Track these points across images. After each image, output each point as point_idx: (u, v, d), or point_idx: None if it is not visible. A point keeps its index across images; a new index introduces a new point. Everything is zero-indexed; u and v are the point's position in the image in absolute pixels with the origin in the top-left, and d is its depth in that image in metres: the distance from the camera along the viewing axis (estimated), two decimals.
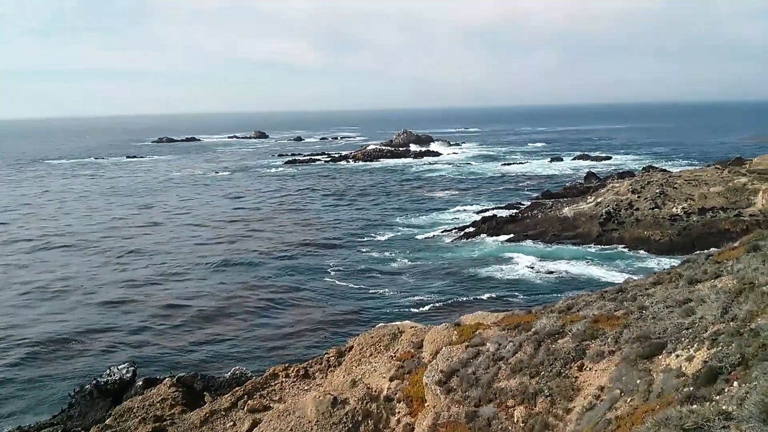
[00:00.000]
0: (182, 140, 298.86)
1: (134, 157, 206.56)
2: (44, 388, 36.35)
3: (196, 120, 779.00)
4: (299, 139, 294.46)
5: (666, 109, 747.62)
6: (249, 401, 23.25)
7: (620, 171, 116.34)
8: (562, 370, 14.19)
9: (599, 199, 73.40)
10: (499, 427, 14.18)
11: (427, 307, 48.09)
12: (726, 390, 9.41)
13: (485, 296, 49.77)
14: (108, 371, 31.61)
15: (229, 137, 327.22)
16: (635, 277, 23.48)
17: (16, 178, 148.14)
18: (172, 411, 25.10)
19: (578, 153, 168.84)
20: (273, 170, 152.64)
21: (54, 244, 73.24)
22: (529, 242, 66.42)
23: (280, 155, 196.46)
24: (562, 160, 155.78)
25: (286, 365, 25.74)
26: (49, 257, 67.46)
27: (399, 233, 74.91)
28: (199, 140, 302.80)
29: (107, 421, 25.22)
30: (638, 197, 69.88)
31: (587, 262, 58.52)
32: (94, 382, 30.91)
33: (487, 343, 17.71)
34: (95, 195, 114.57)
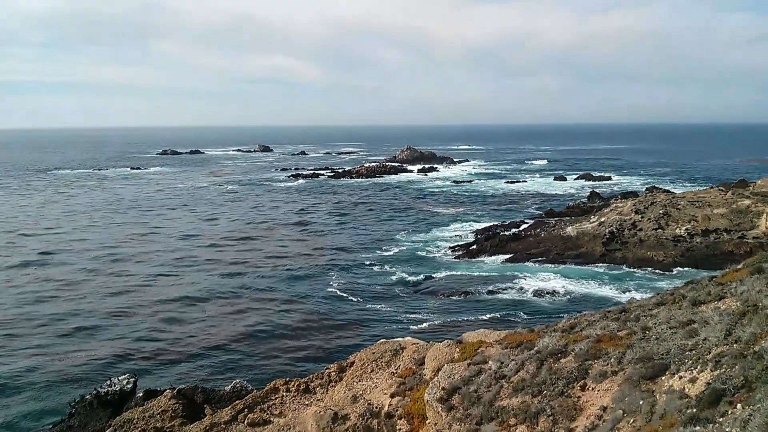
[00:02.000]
0: (187, 153, 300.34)
1: (138, 168, 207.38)
2: (44, 398, 36.29)
3: (200, 133, 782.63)
4: (303, 153, 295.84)
5: (667, 130, 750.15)
6: (249, 415, 23.19)
7: (623, 191, 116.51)
8: (564, 390, 14.18)
9: (602, 219, 73.41)
10: None
11: (425, 324, 47.88)
12: (729, 412, 9.42)
13: (487, 315, 49.60)
14: (108, 382, 31.53)
15: (233, 150, 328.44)
16: (638, 297, 23.49)
17: (22, 187, 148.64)
18: (172, 423, 25.04)
19: (581, 172, 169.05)
20: (277, 184, 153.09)
21: (55, 256, 73.37)
22: (531, 261, 66.30)
23: (283, 169, 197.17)
24: (565, 179, 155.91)
25: (287, 379, 25.69)
26: (50, 268, 67.47)
27: (401, 249, 74.87)
28: (204, 153, 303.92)
29: None
30: (641, 218, 69.88)
31: (592, 282, 58.34)
32: (94, 392, 30.84)
33: (490, 361, 17.70)
34: (98, 206, 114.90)
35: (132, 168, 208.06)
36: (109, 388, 30.77)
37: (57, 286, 59.95)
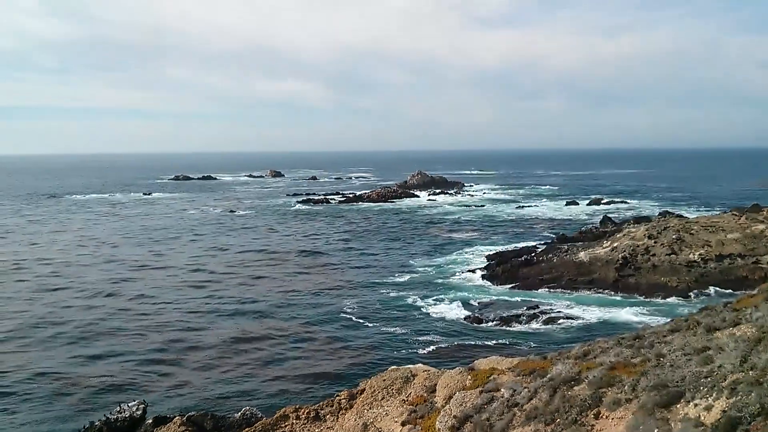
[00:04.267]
0: (198, 178, 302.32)
1: (151, 194, 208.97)
2: (54, 425, 36.19)
3: (211, 159, 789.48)
4: (314, 178, 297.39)
5: (679, 154, 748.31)
6: None
7: (636, 216, 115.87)
8: (578, 418, 13.98)
9: (615, 244, 72.92)
10: None
11: (435, 349, 47.72)
12: None
13: (498, 341, 49.20)
14: (118, 408, 31.43)
15: (245, 176, 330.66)
16: (652, 324, 23.21)
17: (36, 213, 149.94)
18: None
19: (593, 197, 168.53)
20: (288, 209, 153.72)
21: (64, 283, 73.76)
22: (543, 287, 65.86)
23: (295, 194, 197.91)
24: (577, 204, 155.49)
25: (297, 406, 25.48)
26: (59, 296, 67.75)
27: (413, 275, 74.65)
28: (216, 179, 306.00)
29: None
30: (655, 243, 69.38)
31: (605, 308, 57.78)
32: (104, 419, 30.73)
33: (502, 389, 17.50)
34: (111, 233, 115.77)
35: (145, 194, 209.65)
36: (119, 415, 30.65)
37: (64, 310, 60.18)
